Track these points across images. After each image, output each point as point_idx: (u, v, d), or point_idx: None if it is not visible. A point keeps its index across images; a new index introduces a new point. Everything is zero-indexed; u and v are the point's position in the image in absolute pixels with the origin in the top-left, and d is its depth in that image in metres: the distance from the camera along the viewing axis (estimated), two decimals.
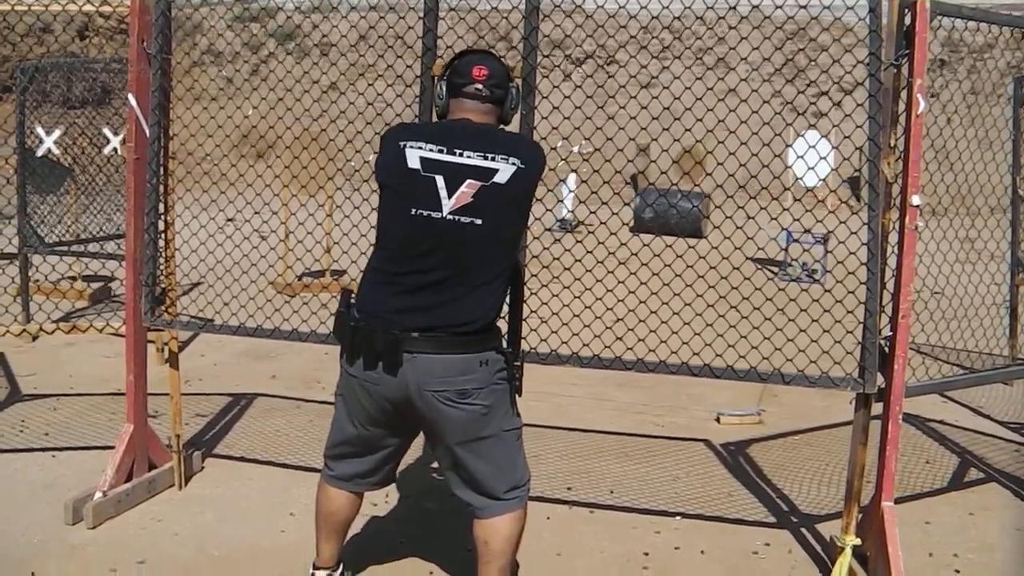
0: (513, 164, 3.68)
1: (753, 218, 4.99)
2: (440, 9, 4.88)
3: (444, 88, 3.93)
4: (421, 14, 4.86)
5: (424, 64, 4.88)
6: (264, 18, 21.23)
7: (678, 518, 5.37)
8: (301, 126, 8.87)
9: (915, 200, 4.34)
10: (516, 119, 4.23)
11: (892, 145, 4.47)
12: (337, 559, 4.28)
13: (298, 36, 20.57)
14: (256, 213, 6.42)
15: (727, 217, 5.01)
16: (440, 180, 3.66)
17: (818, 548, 5.06)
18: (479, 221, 3.63)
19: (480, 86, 3.85)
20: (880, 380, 4.46)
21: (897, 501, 5.50)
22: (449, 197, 3.64)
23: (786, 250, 13.28)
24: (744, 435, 6.82)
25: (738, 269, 5.16)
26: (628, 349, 4.85)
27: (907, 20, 4.46)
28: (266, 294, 6.02)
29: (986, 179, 7.65)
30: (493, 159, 3.68)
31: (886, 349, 4.43)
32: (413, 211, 3.66)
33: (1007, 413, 7.65)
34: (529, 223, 4.07)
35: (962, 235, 8.14)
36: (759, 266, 12.17)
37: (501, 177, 3.66)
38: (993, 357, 8.03)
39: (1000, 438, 7.00)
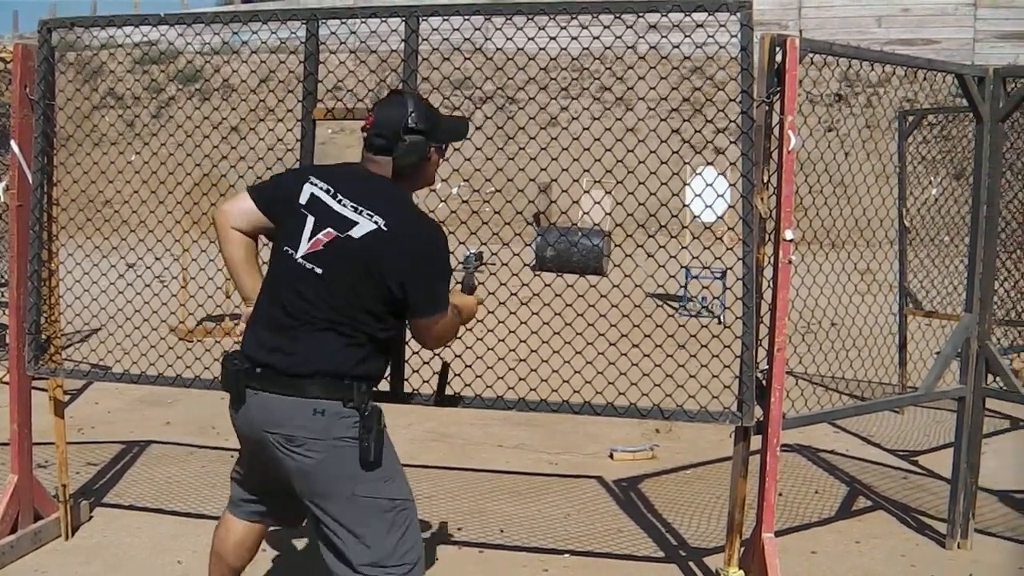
0: (374, 223, 3.50)
1: (652, 256, 4.99)
2: (340, 52, 4.89)
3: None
4: (321, 57, 4.90)
5: (305, 108, 4.90)
6: (166, 61, 21.11)
7: (567, 555, 5.39)
8: (201, 171, 8.81)
9: (788, 235, 4.42)
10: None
11: (765, 181, 4.55)
12: None
13: (200, 79, 20.50)
14: (157, 259, 6.35)
15: (626, 255, 5.06)
16: (310, 221, 3.59)
17: None
18: (319, 271, 3.52)
19: (365, 134, 3.70)
20: (759, 412, 4.53)
21: (785, 531, 5.62)
22: (308, 240, 3.57)
23: (685, 286, 13.40)
24: (637, 471, 6.85)
25: (639, 306, 5.19)
26: (510, 388, 4.85)
27: (778, 58, 4.55)
28: (167, 341, 5.95)
29: (883, 211, 7.82)
30: (360, 212, 3.53)
31: (763, 382, 4.50)
32: (284, 248, 3.64)
33: (897, 441, 7.79)
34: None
35: (861, 267, 8.28)
36: (660, 302, 12.28)
37: (357, 232, 3.51)
38: (884, 386, 8.17)
39: (889, 466, 7.12)
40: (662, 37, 5.29)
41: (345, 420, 3.51)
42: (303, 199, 3.64)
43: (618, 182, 5.28)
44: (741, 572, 4.69)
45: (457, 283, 3.98)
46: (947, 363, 5.47)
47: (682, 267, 13.00)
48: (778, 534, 5.51)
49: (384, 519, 3.58)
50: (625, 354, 4.78)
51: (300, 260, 3.56)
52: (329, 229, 3.54)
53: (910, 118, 8.71)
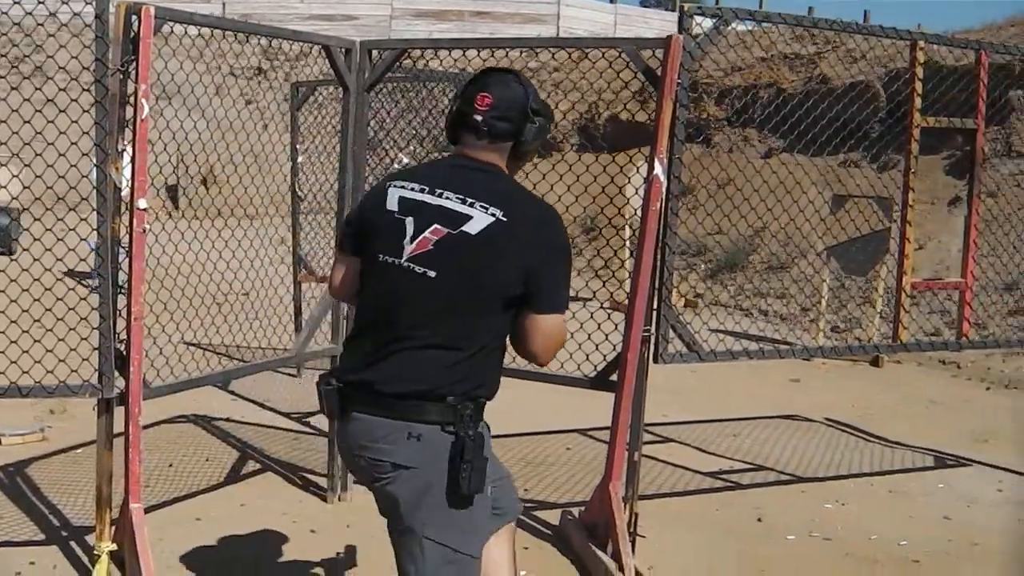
0: (492, 215, 3.10)
1: (74, 229, 4.77)
2: None
3: (452, 117, 3.34)
4: None
5: None
6: None
7: None
8: None
9: (141, 203, 4.41)
10: None
11: (121, 150, 4.49)
12: None
13: None
14: None
15: (47, 229, 4.80)
16: (410, 222, 3.16)
17: (84, 560, 4.98)
18: (432, 274, 3.11)
19: (479, 118, 3.22)
20: (123, 384, 4.50)
21: (173, 501, 5.67)
22: (411, 242, 3.14)
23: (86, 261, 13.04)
24: (27, 454, 6.55)
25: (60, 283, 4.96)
26: None
27: (135, 27, 4.49)
28: None
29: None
30: (471, 205, 3.12)
31: (124, 353, 4.47)
32: (380, 257, 3.20)
33: (293, 404, 8.01)
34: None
35: (277, 238, 8.41)
36: (78, 279, 11.88)
37: (472, 227, 3.09)
38: (286, 351, 8.35)
39: (282, 428, 7.35)
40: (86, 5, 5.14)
41: (441, 447, 3.07)
42: (392, 205, 3.21)
43: (37, 154, 5.06)
44: (114, 546, 4.66)
45: None
46: (318, 324, 5.70)
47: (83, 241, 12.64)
48: (166, 504, 5.61)
49: (441, 569, 3.13)
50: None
51: (406, 265, 3.14)
52: (436, 226, 3.12)
53: (301, 89, 8.91)
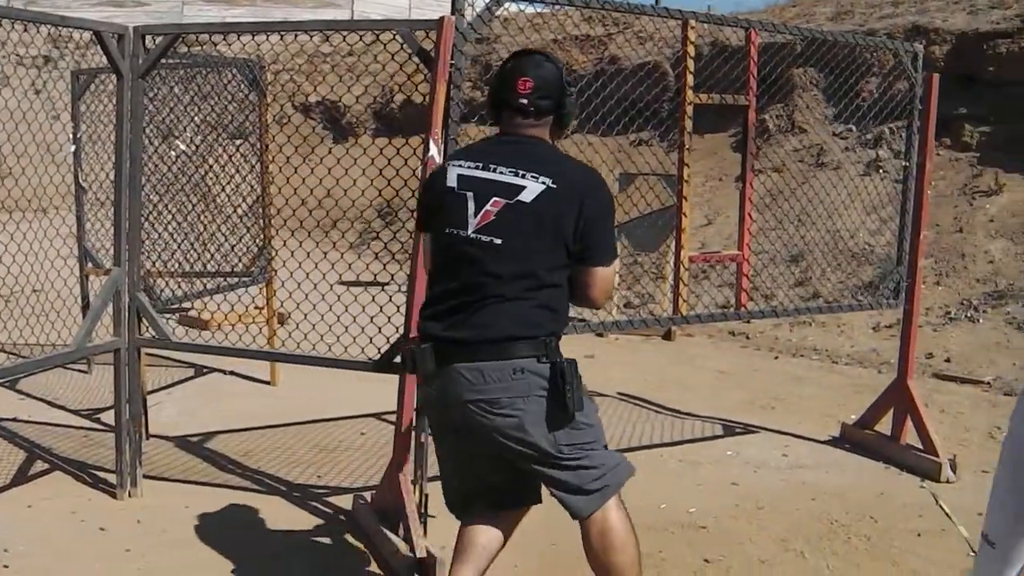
0: (543, 183, 3.55)
1: None
2: None
3: (494, 102, 3.77)
4: None
5: None
6: None
7: None
8: None
9: None
10: None
11: None
12: None
13: None
14: None
15: None
16: (470, 196, 3.60)
17: None
18: (499, 241, 3.55)
19: (524, 101, 3.66)
20: None
21: None
22: (475, 215, 3.58)
23: None
24: None
25: None
26: None
27: None
28: None
29: (102, 175, 7.75)
30: (523, 176, 3.57)
31: None
32: (447, 230, 3.64)
33: (84, 401, 7.85)
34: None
35: (67, 231, 8.14)
36: None
37: (527, 195, 3.55)
38: (65, 348, 8.14)
39: (71, 426, 7.17)
40: None
41: (543, 375, 3.55)
42: (451, 182, 3.65)
43: None
44: None
45: None
46: (98, 317, 5.59)
47: None
48: None
49: (590, 444, 3.75)
50: None
51: (474, 236, 3.58)
52: (495, 198, 3.57)
53: (82, 78, 8.67)
